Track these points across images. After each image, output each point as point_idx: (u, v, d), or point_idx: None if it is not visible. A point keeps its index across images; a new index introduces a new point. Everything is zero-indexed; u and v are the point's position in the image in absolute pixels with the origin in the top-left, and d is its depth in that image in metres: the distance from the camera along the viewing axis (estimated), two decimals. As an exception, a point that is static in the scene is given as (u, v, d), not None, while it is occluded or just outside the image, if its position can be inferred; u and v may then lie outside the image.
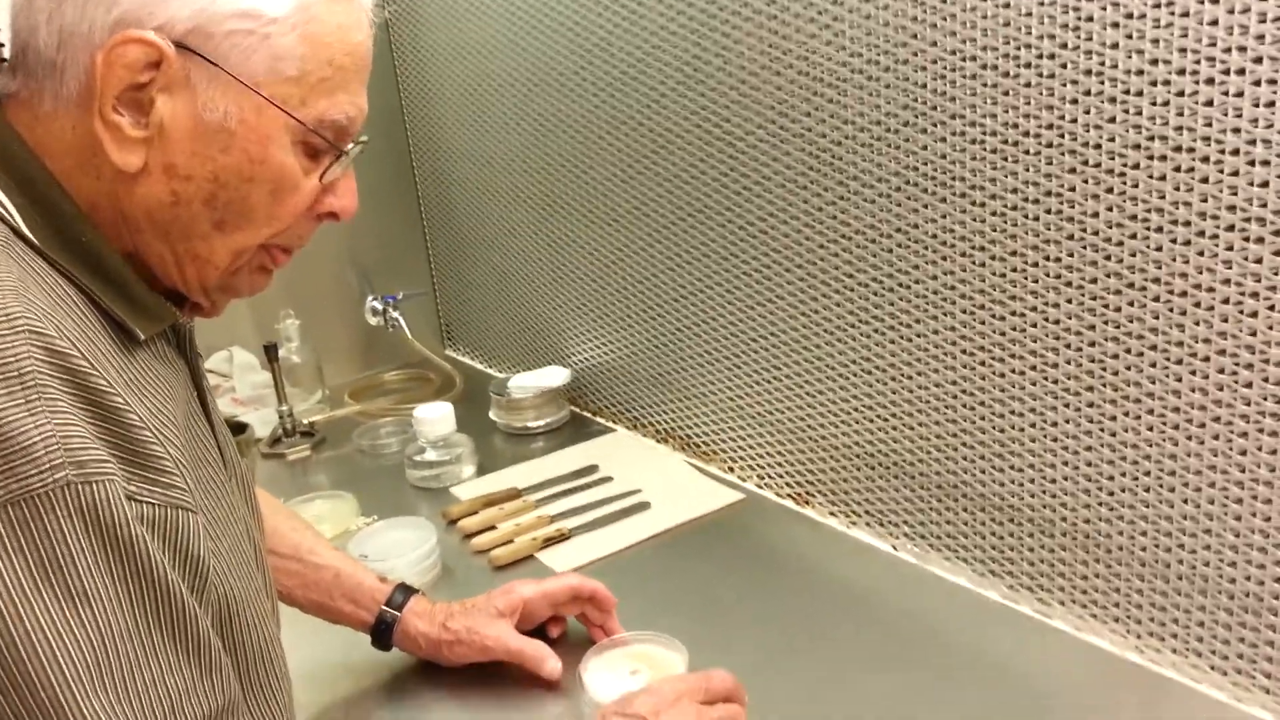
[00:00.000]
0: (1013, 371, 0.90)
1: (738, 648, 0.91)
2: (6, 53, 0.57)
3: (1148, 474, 0.83)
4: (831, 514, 1.13)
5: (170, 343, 0.62)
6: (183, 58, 0.54)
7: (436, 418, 1.29)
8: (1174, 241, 0.76)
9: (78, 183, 0.57)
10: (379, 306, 1.63)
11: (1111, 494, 0.86)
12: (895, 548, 1.07)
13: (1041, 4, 0.79)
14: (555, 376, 1.46)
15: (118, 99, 0.54)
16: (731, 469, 1.26)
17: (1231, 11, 0.69)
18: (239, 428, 1.19)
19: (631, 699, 0.74)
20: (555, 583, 0.91)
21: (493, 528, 1.16)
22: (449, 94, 1.56)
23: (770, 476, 1.20)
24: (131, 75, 0.54)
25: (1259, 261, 0.72)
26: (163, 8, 0.54)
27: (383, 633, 0.89)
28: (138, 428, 0.52)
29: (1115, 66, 0.76)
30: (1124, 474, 0.84)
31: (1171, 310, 0.77)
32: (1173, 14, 0.72)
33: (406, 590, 0.90)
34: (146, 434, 0.52)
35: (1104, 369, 0.83)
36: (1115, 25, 0.75)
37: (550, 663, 0.86)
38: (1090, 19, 0.76)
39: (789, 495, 1.18)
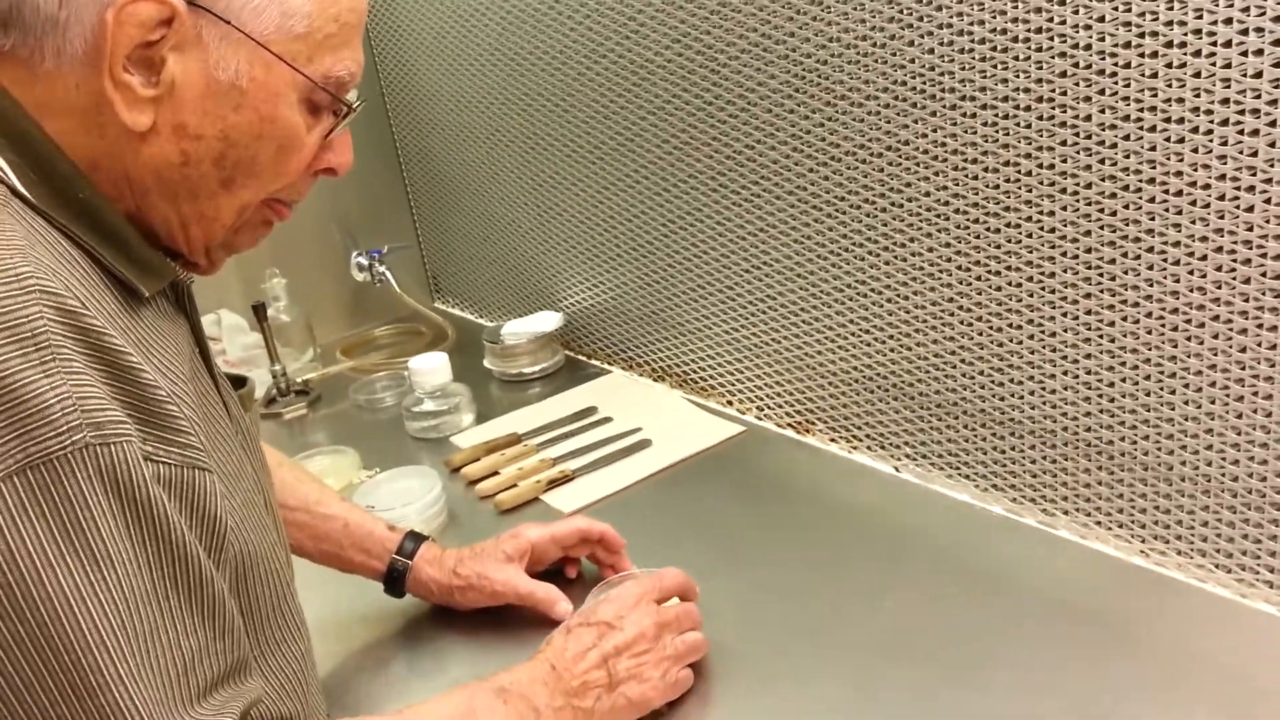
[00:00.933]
0: (1009, 284, 0.89)
1: (747, 576, 0.92)
2: None
3: (1148, 377, 0.82)
4: (832, 440, 1.13)
5: (169, 300, 0.62)
6: (194, 15, 0.54)
7: (432, 368, 1.28)
8: (1168, 140, 0.75)
9: (78, 141, 0.55)
10: (364, 262, 1.61)
11: (1112, 400, 0.85)
12: (897, 469, 1.07)
13: (1025, -98, 0.77)
14: (547, 321, 1.45)
15: (128, 58, 0.53)
16: (730, 402, 1.26)
17: (1221, -104, 0.67)
18: (239, 381, 1.18)
19: (595, 608, 0.77)
20: (562, 525, 0.92)
21: (496, 473, 1.16)
22: (420, 36, 1.53)
23: (770, 407, 1.20)
24: (143, 33, 0.53)
25: (1254, 154, 0.71)
26: None
27: (395, 580, 0.89)
28: (152, 387, 0.51)
29: (1103, -38, 0.74)
30: (1124, 379, 0.84)
31: (1167, 210, 0.77)
32: (1161, -97, 0.70)
33: (416, 538, 0.90)
34: (160, 393, 0.52)
35: (1101, 274, 0.82)
36: (1102, -81, 0.73)
37: (561, 605, 0.87)
38: (1076, -86, 0.74)
39: (789, 425, 1.18)
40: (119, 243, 0.56)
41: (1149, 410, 0.83)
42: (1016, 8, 0.80)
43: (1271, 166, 0.70)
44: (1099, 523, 0.90)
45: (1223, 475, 0.80)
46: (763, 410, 1.21)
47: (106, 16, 0.52)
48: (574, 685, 0.72)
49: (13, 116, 0.54)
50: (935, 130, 0.90)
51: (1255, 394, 0.77)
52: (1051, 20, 0.78)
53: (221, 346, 1.53)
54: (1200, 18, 0.70)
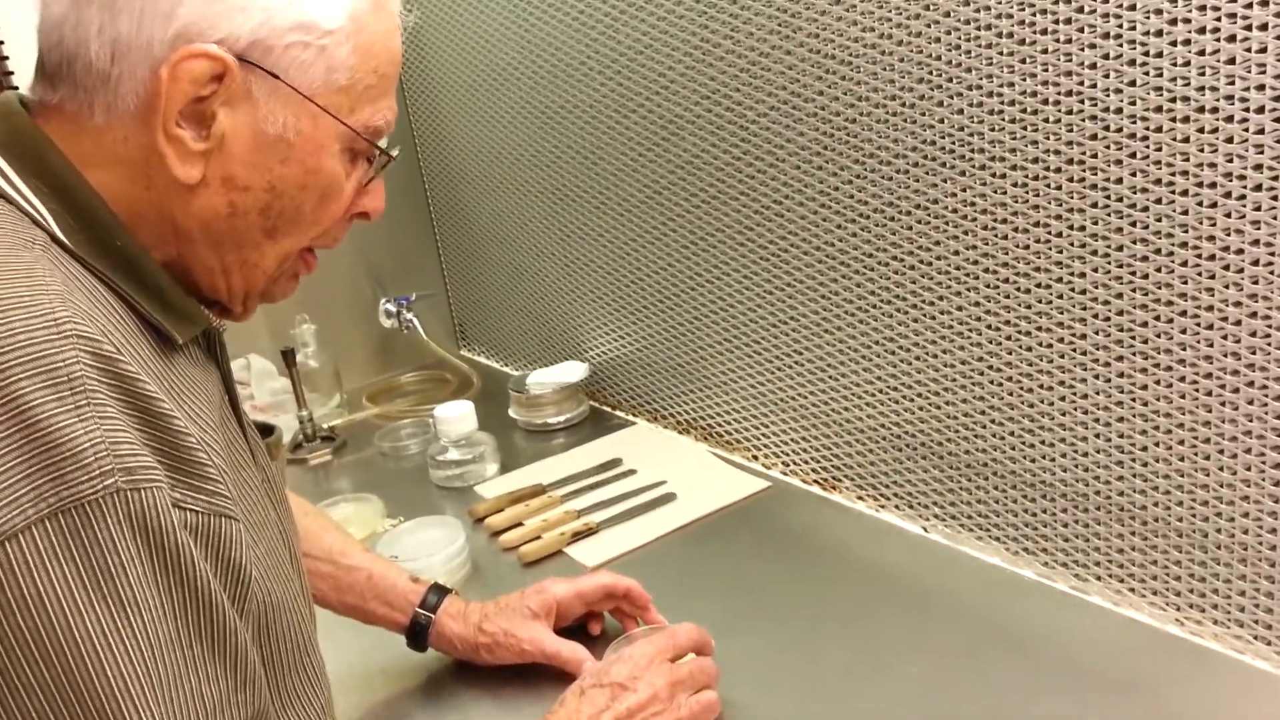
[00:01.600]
0: (1040, 344, 0.89)
1: (771, 633, 0.90)
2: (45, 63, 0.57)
3: (1181, 442, 0.81)
4: (859, 498, 1.12)
5: (201, 347, 0.62)
6: (245, 71, 0.55)
7: (458, 416, 1.28)
8: (1200, 204, 0.75)
9: (122, 191, 0.56)
10: (392, 309, 1.63)
11: (1145, 464, 0.84)
12: (926, 529, 1.06)
13: (1056, -32, 0.77)
14: (573, 372, 1.45)
15: (181, 113, 0.55)
16: (756, 457, 1.25)
17: (1253, -35, 0.68)
18: (266, 430, 1.19)
19: (607, 668, 0.76)
20: (588, 581, 0.91)
21: (520, 524, 1.15)
22: (453, 87, 1.55)
23: (796, 463, 1.19)
24: (196, 89, 0.54)
25: (1290, 220, 0.70)
26: (224, 22, 0.54)
27: (418, 634, 0.88)
28: (183, 434, 0.52)
29: (1134, 28, 0.74)
30: (1157, 443, 0.83)
31: (1200, 274, 0.76)
32: (1192, -29, 0.70)
33: (440, 590, 0.90)
34: (191, 440, 0.52)
35: (1133, 336, 0.82)
36: (1133, -14, 0.74)
37: (588, 665, 0.85)
38: (1107, -19, 0.75)
39: (815, 481, 1.17)
40: (155, 290, 0.57)
41: (1183, 475, 0.82)
42: (1047, 71, 0.80)
43: (1307, 232, 0.70)
44: (1132, 589, 0.88)
45: (1260, 544, 0.79)
46: (788, 466, 1.20)
47: (161, 73, 0.53)
48: None
49: (57, 167, 0.55)
50: (964, 190, 0.90)
51: (1293, 461, 0.75)
52: (1082, 84, 0.79)
53: (250, 391, 1.54)
54: (1233, 83, 0.70)
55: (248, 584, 0.55)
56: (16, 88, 0.83)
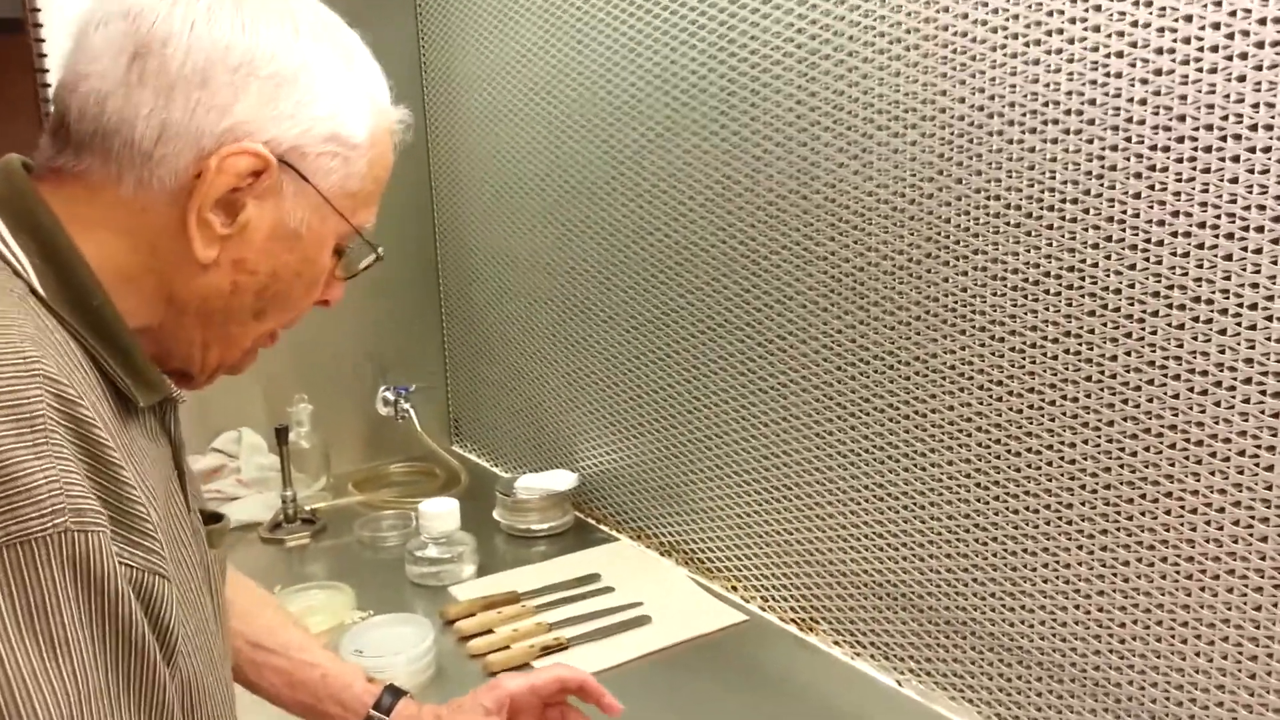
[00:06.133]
0: (1026, 509, 0.89)
1: (733, 776, 0.88)
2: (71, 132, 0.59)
3: (1159, 623, 0.81)
4: (836, 643, 1.11)
5: (157, 419, 0.63)
6: (281, 170, 0.60)
7: (441, 513, 1.28)
8: (1191, 390, 0.77)
9: (119, 258, 0.59)
10: (390, 397, 1.64)
11: (1123, 641, 0.84)
12: (900, 683, 1.04)
13: (1066, 151, 0.81)
14: (562, 480, 1.45)
15: (216, 200, 0.59)
16: (735, 588, 1.24)
17: (1252, 171, 0.71)
18: (214, 517, 1.18)
19: None
20: (541, 675, 0.89)
21: (490, 631, 1.14)
22: (479, 192, 1.60)
23: (775, 599, 1.18)
24: (236, 181, 0.58)
25: (1276, 416, 0.72)
26: (272, 126, 0.59)
27: None
28: (130, 487, 0.53)
29: (1137, 215, 0.78)
30: (1135, 621, 0.83)
31: (1188, 458, 0.77)
32: (1194, 169, 0.74)
33: (395, 692, 0.88)
34: (135, 493, 0.53)
35: (1118, 513, 0.82)
36: (1138, 175, 0.77)
37: None
38: (1114, 168, 0.78)
39: (793, 620, 1.16)
40: (123, 352, 0.59)
41: (1159, 657, 0.82)
42: (1050, 246, 0.83)
43: (1293, 430, 0.71)
44: (1102, 769, 0.87)
45: (1233, 737, 0.78)
46: (767, 601, 1.19)
47: (210, 163, 0.57)
48: None
49: (46, 226, 0.58)
50: (963, 349, 0.92)
51: (1270, 656, 0.75)
52: (1084, 262, 0.81)
53: (237, 464, 1.54)
54: (1229, 279, 0.73)
55: (174, 647, 0.55)
56: (49, 85, 0.87)
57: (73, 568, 0.49)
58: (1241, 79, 0.71)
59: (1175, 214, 0.75)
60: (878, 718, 0.98)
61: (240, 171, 0.58)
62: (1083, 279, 0.82)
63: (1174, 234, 0.76)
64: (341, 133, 0.62)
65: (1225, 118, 0.72)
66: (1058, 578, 0.88)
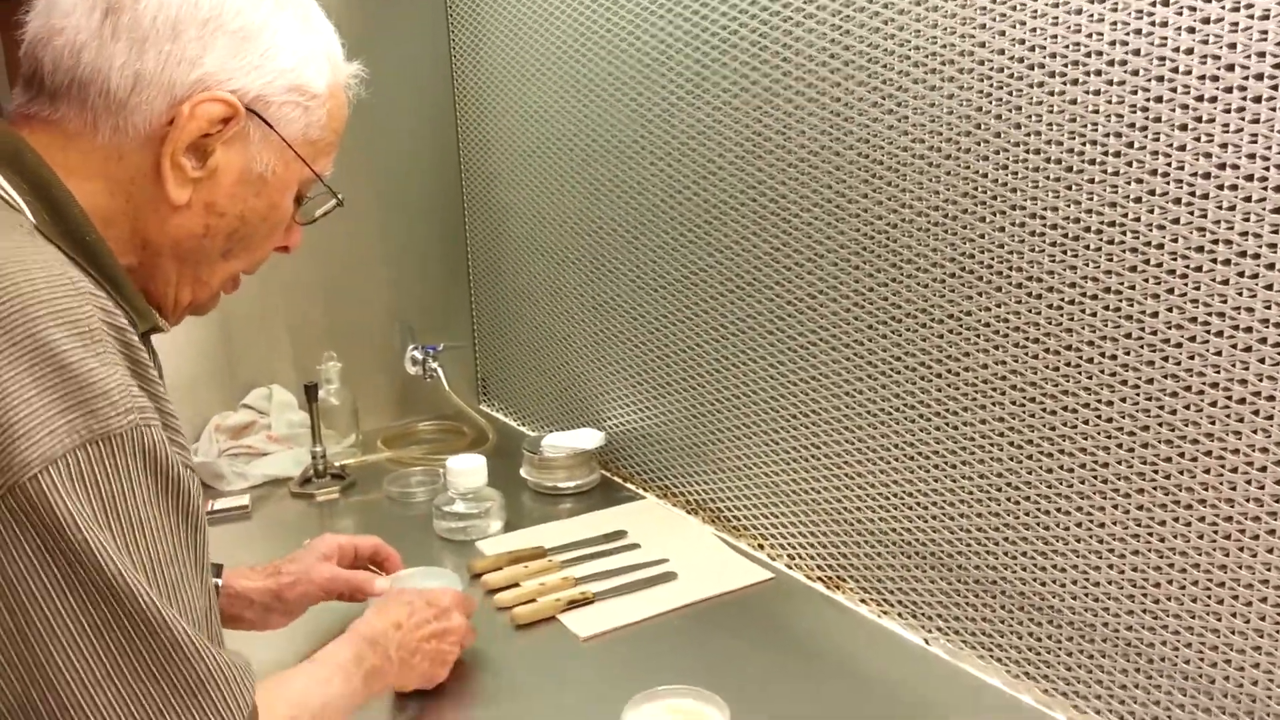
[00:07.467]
0: (1060, 468, 0.88)
1: (759, 730, 0.89)
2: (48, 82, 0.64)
3: (1195, 583, 0.80)
4: (863, 600, 1.11)
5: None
6: (249, 118, 0.66)
7: (469, 469, 1.28)
8: (1234, 347, 0.75)
9: (99, 202, 0.64)
10: (419, 356, 1.64)
11: (1156, 601, 0.83)
12: (927, 641, 1.04)
13: (1109, 101, 0.79)
14: (589, 439, 1.45)
15: (188, 145, 0.64)
16: (761, 546, 1.24)
17: (1304, 121, 0.69)
18: None
19: (400, 593, 0.95)
20: (362, 538, 1.08)
21: (516, 585, 1.14)
22: (506, 151, 1.59)
23: (801, 557, 1.18)
24: (206, 127, 0.64)
25: (1323, 373, 0.70)
26: (240, 76, 0.64)
27: None
28: (163, 390, 0.60)
29: (1182, 168, 0.76)
30: (1170, 581, 0.82)
31: (1229, 416, 0.76)
32: (1243, 119, 0.72)
33: (217, 567, 0.95)
34: (167, 397, 0.60)
35: (1156, 471, 0.81)
36: (1184, 127, 0.75)
37: (377, 582, 1.01)
38: (1159, 119, 0.76)
39: (819, 578, 1.16)
40: (118, 283, 0.64)
41: (1194, 617, 0.81)
42: (1092, 199, 0.82)
43: (1339, 387, 0.70)
44: (1132, 729, 0.86)
45: (1269, 697, 0.77)
46: (794, 559, 1.19)
47: (183, 109, 0.63)
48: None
49: (33, 167, 0.62)
50: (999, 305, 0.90)
51: (1308, 617, 0.74)
52: (1126, 215, 0.80)
53: (268, 420, 1.55)
54: (1276, 232, 0.71)
55: (205, 531, 0.62)
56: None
57: (144, 456, 0.56)
58: (1296, 24, 0.68)
59: (1222, 166, 0.73)
60: (904, 677, 0.98)
61: (211, 118, 0.63)
62: (1124, 233, 0.80)
63: (1220, 187, 0.74)
64: (303, 84, 0.67)
65: (1277, 67, 0.70)
66: (1091, 536, 0.87)
